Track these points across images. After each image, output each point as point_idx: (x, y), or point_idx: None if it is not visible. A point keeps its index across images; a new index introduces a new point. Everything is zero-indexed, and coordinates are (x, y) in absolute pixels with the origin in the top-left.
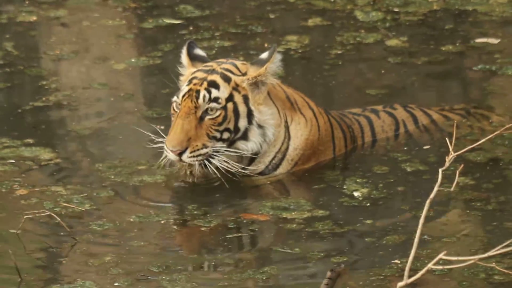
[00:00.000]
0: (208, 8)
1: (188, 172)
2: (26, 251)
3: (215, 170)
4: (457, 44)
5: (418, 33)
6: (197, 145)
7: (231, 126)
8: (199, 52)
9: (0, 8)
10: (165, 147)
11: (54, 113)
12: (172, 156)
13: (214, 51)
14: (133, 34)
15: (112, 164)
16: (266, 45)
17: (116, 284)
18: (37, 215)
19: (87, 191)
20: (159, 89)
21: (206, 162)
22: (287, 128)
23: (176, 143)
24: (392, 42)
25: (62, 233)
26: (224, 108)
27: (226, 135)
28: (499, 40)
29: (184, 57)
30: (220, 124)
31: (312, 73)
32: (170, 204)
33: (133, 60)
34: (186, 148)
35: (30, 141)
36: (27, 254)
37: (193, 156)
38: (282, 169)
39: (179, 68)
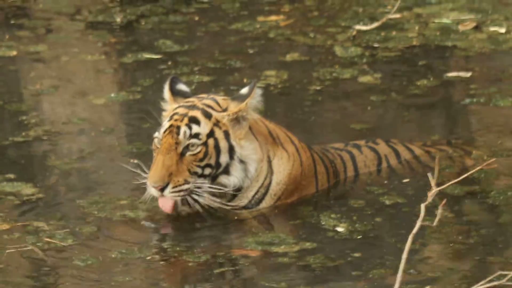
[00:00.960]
0: (187, 43)
1: (169, 210)
2: (7, 286)
3: (197, 206)
4: (431, 79)
5: (394, 69)
6: (178, 181)
7: (212, 162)
8: (181, 87)
9: None
10: (147, 183)
11: (35, 148)
12: (154, 192)
13: (193, 86)
14: (112, 68)
15: (94, 200)
16: (245, 80)
17: None
18: (19, 249)
19: (69, 227)
20: (139, 124)
21: (188, 198)
22: (269, 163)
23: (157, 179)
24: (365, 79)
25: (44, 268)
26: (205, 144)
27: (207, 171)
28: (470, 74)
29: (166, 92)
30: (201, 160)
31: (293, 109)
32: (154, 240)
33: (112, 95)
34: (168, 184)
35: (11, 176)
36: None
37: (175, 192)
38: (265, 204)
39: (162, 103)
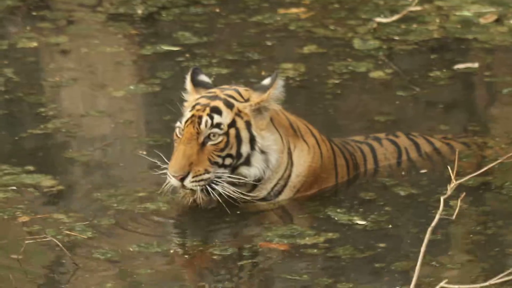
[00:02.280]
0: (207, 35)
1: (191, 199)
2: (27, 277)
3: (217, 196)
4: (445, 71)
5: (411, 62)
6: (199, 170)
7: (233, 152)
8: (203, 78)
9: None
10: (167, 173)
11: (54, 140)
12: (174, 182)
13: (212, 78)
14: (131, 61)
15: (113, 192)
16: (263, 73)
17: None
18: (38, 240)
19: (89, 219)
20: (159, 116)
21: (209, 188)
22: (290, 154)
23: (178, 168)
24: (377, 74)
25: (63, 260)
26: (226, 134)
27: (228, 161)
28: (477, 64)
29: (188, 83)
30: (222, 150)
31: (313, 102)
32: (174, 232)
33: (131, 87)
34: (188, 174)
35: (31, 168)
36: (29, 280)
37: (195, 181)
38: (284, 196)
39: (183, 94)
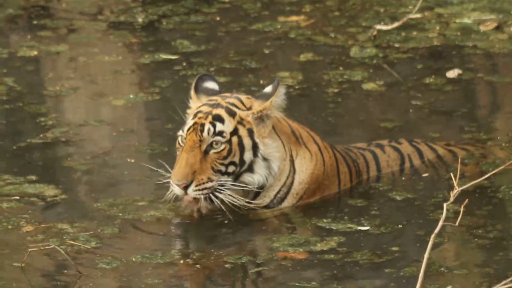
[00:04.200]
0: (205, 43)
1: (194, 208)
2: (31, 286)
3: (220, 204)
4: (443, 80)
5: (406, 70)
6: (202, 179)
7: (236, 159)
8: (208, 85)
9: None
10: (171, 181)
11: (55, 149)
12: (177, 191)
13: None
14: (130, 70)
15: (117, 201)
16: (261, 81)
17: None
18: (42, 248)
19: (92, 228)
20: (160, 125)
21: (212, 196)
22: (292, 162)
23: (181, 177)
24: (369, 86)
25: (67, 268)
26: (229, 142)
27: (231, 168)
28: (460, 72)
29: (191, 91)
30: (225, 157)
31: (315, 110)
32: (178, 241)
33: (131, 96)
34: (191, 182)
35: (33, 177)
36: None
37: (199, 190)
38: (287, 203)
39: (186, 102)
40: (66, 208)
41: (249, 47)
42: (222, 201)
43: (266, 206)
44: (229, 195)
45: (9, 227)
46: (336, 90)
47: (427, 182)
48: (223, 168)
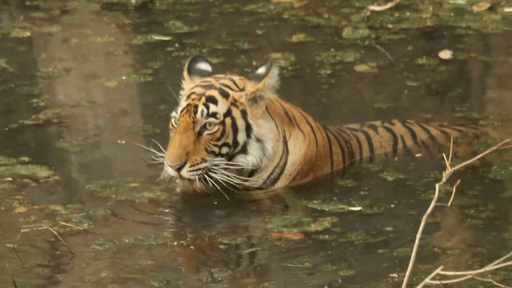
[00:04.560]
0: (198, 24)
1: (189, 188)
2: (23, 267)
3: (216, 184)
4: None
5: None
6: (196, 159)
7: (229, 140)
8: (201, 66)
9: None
10: (164, 162)
11: (47, 130)
12: (171, 172)
13: None
14: (122, 51)
15: (109, 182)
16: (254, 62)
17: None
18: (34, 229)
19: (85, 210)
20: (152, 106)
21: (207, 177)
22: (285, 143)
23: (174, 158)
24: (361, 68)
25: (59, 249)
26: (222, 123)
27: (225, 150)
28: (451, 53)
29: (184, 72)
30: (218, 139)
31: (309, 91)
32: (172, 222)
33: (124, 77)
34: (185, 163)
35: (26, 159)
36: (24, 270)
37: (193, 171)
38: (280, 184)
39: (181, 83)
40: (59, 190)
41: (242, 28)
42: (216, 181)
43: (259, 188)
44: (225, 174)
45: (2, 208)
46: (328, 72)
47: (419, 163)
48: (216, 150)
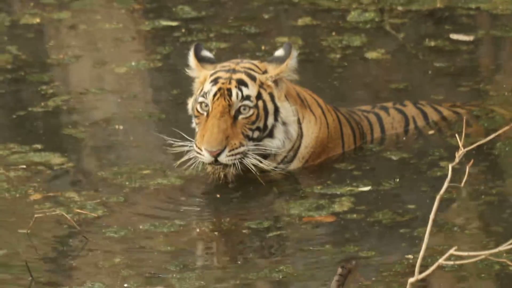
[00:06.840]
0: (205, 9)
1: (221, 175)
2: (37, 252)
3: (253, 168)
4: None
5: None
6: (235, 143)
7: (261, 124)
8: (205, 54)
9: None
10: (195, 149)
11: (59, 117)
12: (207, 158)
13: (213, 53)
14: (131, 37)
15: (122, 169)
16: (263, 47)
17: (126, 285)
18: (47, 214)
19: (99, 197)
20: (163, 92)
21: (243, 161)
22: (299, 125)
23: (215, 144)
24: (371, 55)
25: (73, 235)
26: (256, 106)
27: (256, 133)
28: (472, 37)
29: (192, 59)
30: (253, 122)
31: (320, 74)
32: (187, 208)
33: (133, 63)
34: (225, 148)
35: (38, 146)
36: (38, 255)
37: (232, 155)
38: (292, 166)
39: (187, 70)
40: (73, 177)
41: (249, 13)
42: (249, 166)
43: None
44: (258, 159)
45: (17, 195)
46: (338, 56)
47: (427, 142)
48: (250, 133)
